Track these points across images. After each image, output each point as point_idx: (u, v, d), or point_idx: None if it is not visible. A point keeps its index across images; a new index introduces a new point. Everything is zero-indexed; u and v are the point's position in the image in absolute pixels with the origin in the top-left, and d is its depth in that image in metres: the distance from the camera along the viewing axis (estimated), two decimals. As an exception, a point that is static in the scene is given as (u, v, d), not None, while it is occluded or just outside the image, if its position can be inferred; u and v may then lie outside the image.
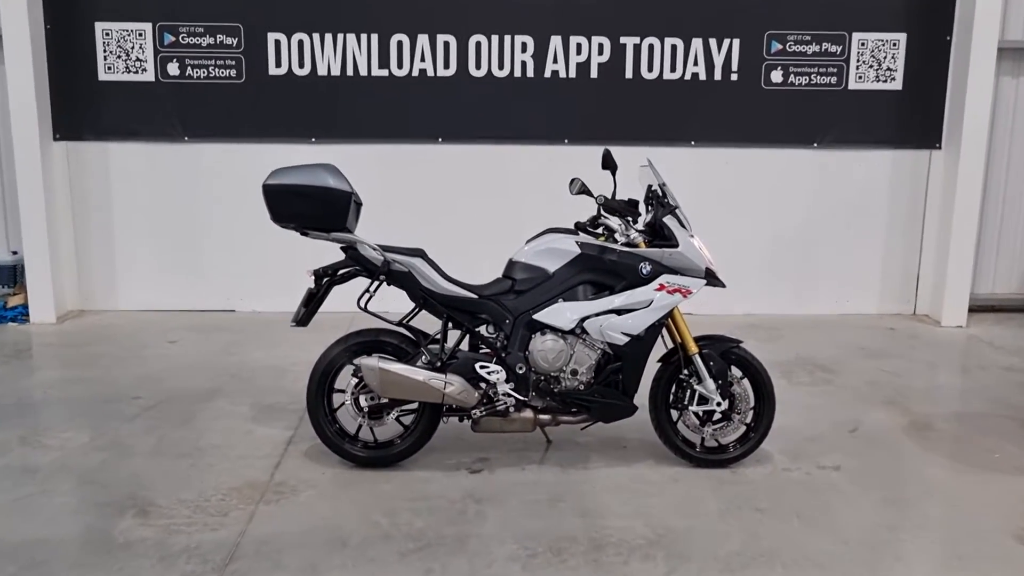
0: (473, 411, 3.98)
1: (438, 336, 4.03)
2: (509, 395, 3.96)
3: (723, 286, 4.12)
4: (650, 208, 4.15)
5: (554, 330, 3.96)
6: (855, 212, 7.23)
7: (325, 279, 4.03)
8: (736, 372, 4.12)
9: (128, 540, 3.35)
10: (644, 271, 3.95)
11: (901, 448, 4.44)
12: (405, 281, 4.00)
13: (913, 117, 7.08)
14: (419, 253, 4.04)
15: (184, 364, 5.67)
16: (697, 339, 4.10)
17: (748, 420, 4.14)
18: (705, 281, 4.02)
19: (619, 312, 3.95)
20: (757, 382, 4.12)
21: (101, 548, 3.30)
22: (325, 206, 3.89)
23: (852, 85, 7.01)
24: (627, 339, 3.93)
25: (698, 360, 4.04)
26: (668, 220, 4.01)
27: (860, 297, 7.35)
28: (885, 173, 7.20)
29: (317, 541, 3.37)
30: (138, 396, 5.02)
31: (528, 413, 4.01)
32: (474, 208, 7.14)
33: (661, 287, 3.94)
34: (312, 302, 4.03)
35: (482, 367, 3.94)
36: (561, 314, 3.95)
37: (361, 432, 4.11)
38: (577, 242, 3.99)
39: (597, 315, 3.94)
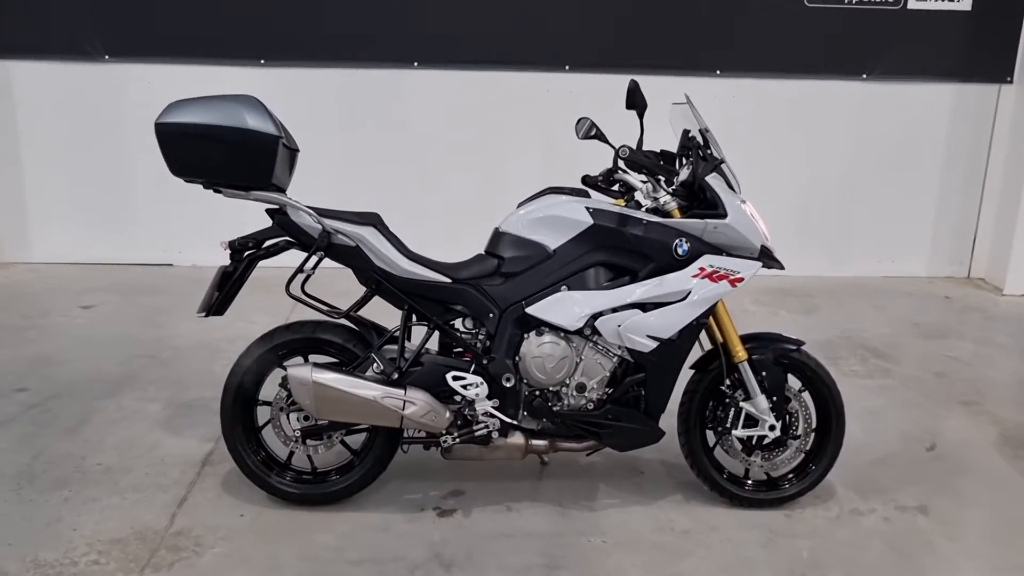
0: (443, 436, 2.94)
1: (397, 333, 2.98)
2: (492, 416, 2.93)
3: (782, 268, 3.07)
4: (686, 162, 3.07)
5: (555, 329, 2.91)
6: (905, 157, 6.13)
7: (246, 253, 2.96)
8: (793, 382, 3.10)
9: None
10: (680, 250, 2.88)
11: (998, 475, 3.44)
12: (352, 258, 2.93)
13: (982, 44, 5.92)
14: (372, 220, 2.96)
15: (94, 339, 4.60)
16: (743, 338, 3.06)
17: (807, 446, 3.13)
18: (761, 263, 2.96)
19: (644, 307, 2.89)
20: (821, 396, 3.10)
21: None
22: (241, 155, 2.80)
23: (912, 3, 5.83)
24: (655, 344, 2.88)
25: (746, 369, 3.00)
26: (712, 180, 2.92)
27: (906, 257, 6.31)
28: (944, 111, 6.07)
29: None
30: (23, 388, 3.96)
31: (518, 438, 2.99)
32: (455, 154, 6.00)
33: (702, 272, 2.88)
34: (228, 284, 2.95)
35: (456, 378, 2.89)
36: (565, 307, 2.89)
37: (295, 458, 3.08)
38: (588, 208, 2.90)
39: (614, 311, 2.89)
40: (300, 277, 2.91)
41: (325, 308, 2.96)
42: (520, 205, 3.03)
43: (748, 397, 3.02)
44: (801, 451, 3.12)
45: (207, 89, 3.02)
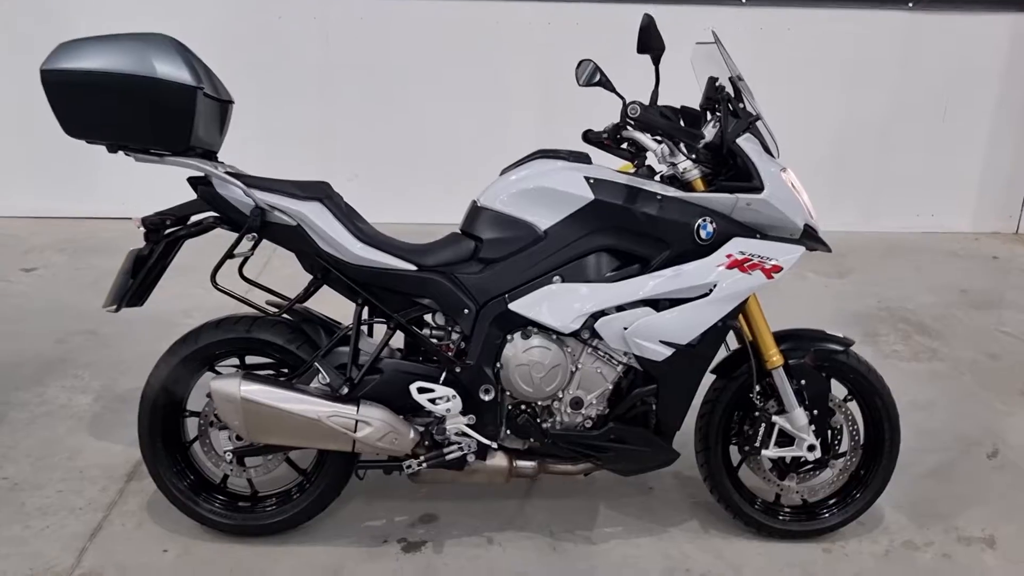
0: (407, 461, 2.40)
1: (349, 333, 2.41)
2: (467, 436, 2.38)
3: (828, 250, 2.47)
4: (711, 118, 2.45)
5: (545, 330, 2.33)
6: (953, 97, 5.46)
7: (165, 233, 2.38)
8: (838, 389, 2.53)
9: None
10: (704, 233, 2.28)
11: (1076, 492, 2.90)
12: (292, 240, 2.35)
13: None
14: (318, 193, 2.36)
15: (31, 310, 4.05)
16: (778, 336, 2.48)
17: (853, 466, 2.58)
18: (803, 247, 2.37)
19: (657, 304, 2.30)
20: (872, 407, 2.54)
21: None
22: (150, 111, 2.20)
23: (968, -80, 5.09)
24: (670, 351, 2.30)
25: (782, 377, 2.43)
26: (745, 143, 2.31)
27: (948, 210, 5.68)
28: (1000, 45, 5.38)
29: None
30: (-63, 375, 3.43)
31: (499, 460, 2.44)
32: (437, 100, 5.34)
33: (730, 260, 2.28)
34: (144, 271, 2.38)
35: (422, 390, 2.33)
36: (557, 304, 2.30)
37: (233, 479, 2.55)
38: (588, 179, 2.30)
39: (619, 309, 2.31)
40: (236, 261, 2.35)
41: (258, 304, 2.40)
42: (504, 172, 2.42)
43: (782, 410, 2.45)
44: (845, 472, 2.57)
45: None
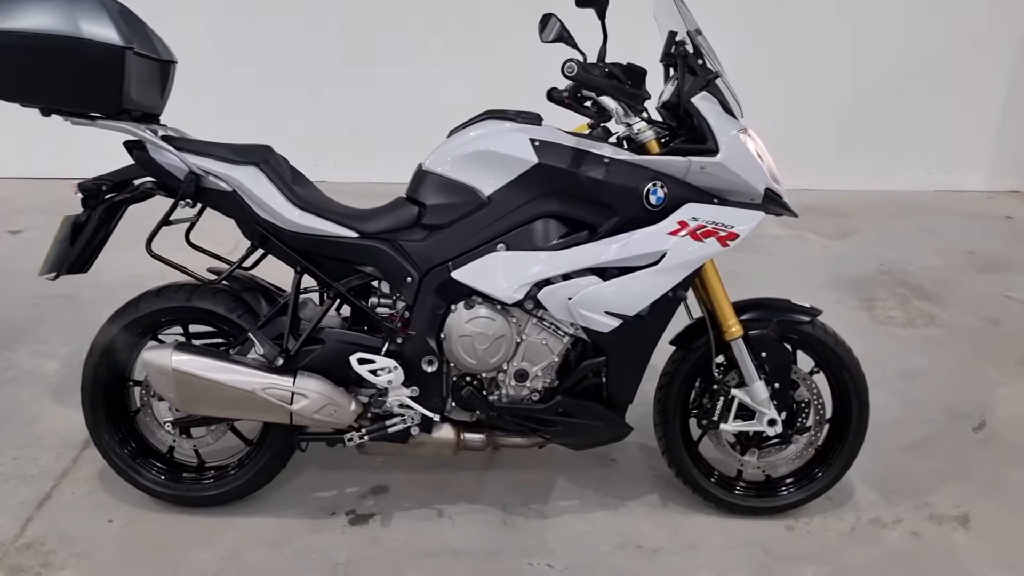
0: (348, 434, 2.33)
1: (288, 301, 2.33)
2: (409, 408, 2.30)
3: (794, 215, 2.34)
4: (674, 74, 2.31)
5: (489, 300, 2.24)
6: (971, 48, 5.19)
7: (106, 198, 2.31)
8: (804, 364, 2.42)
9: None
10: (653, 198, 2.16)
11: (1062, 468, 2.77)
12: (229, 207, 2.27)
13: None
14: (256, 157, 2.27)
15: (11, 273, 4.03)
16: (739, 306, 2.37)
17: (819, 440, 2.47)
18: (763, 212, 2.24)
19: (604, 273, 2.20)
20: (839, 380, 2.42)
21: None
22: (75, 73, 2.12)
23: None
24: (616, 323, 2.20)
25: (741, 349, 2.32)
26: (701, 102, 2.17)
27: (962, 168, 5.47)
28: (1020, -6, 5.10)
29: None
30: (-93, 339, 3.43)
31: (446, 433, 2.36)
32: (415, 50, 5.19)
33: (682, 227, 2.16)
34: (82, 237, 2.31)
35: (362, 361, 2.26)
36: (500, 272, 2.21)
37: (177, 450, 2.50)
38: (533, 142, 2.18)
39: (565, 277, 2.20)
40: (181, 228, 2.29)
41: (195, 272, 2.33)
42: (451, 134, 2.31)
43: (743, 383, 2.35)
44: (810, 447, 2.46)
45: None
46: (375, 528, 2.41)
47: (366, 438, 2.31)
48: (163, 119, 2.36)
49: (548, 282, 2.19)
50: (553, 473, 2.65)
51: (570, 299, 2.17)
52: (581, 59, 2.04)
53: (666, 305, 2.22)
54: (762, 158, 2.22)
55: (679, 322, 2.36)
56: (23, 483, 2.57)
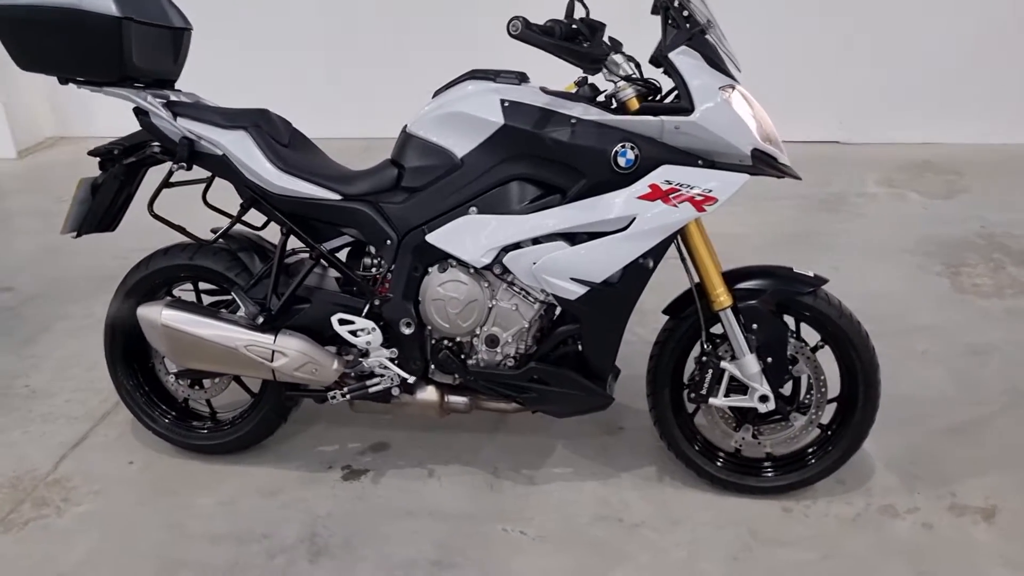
0: (331, 392, 2.39)
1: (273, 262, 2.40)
2: (388, 369, 2.33)
3: (795, 177, 2.17)
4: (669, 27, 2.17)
5: (463, 263, 2.22)
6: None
7: (125, 162, 2.45)
8: (808, 338, 2.26)
9: None
10: (622, 159, 2.06)
11: None
12: (221, 170, 2.36)
13: None
14: (247, 121, 2.34)
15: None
16: (735, 274, 2.23)
17: (819, 418, 2.31)
18: (748, 175, 2.08)
19: (573, 238, 2.12)
20: (845, 355, 2.24)
21: None
22: (78, 42, 2.25)
23: None
24: (583, 290, 2.13)
25: (730, 320, 2.19)
26: (679, 57, 2.04)
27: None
28: None
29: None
30: (8, 287, 3.79)
31: (430, 394, 2.37)
32: None
33: (654, 191, 2.05)
34: (98, 199, 2.46)
35: (343, 322, 2.30)
36: (470, 236, 2.18)
37: (192, 400, 2.65)
38: (503, 102, 2.12)
39: (533, 243, 2.15)
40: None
41: (192, 232, 2.44)
42: (436, 94, 2.29)
43: (734, 357, 2.22)
44: (810, 426, 2.30)
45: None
46: (364, 484, 2.47)
47: (347, 397, 2.36)
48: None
49: (518, 246, 2.14)
50: (554, 440, 2.62)
51: (534, 264, 2.11)
52: (519, 18, 1.95)
53: (638, 273, 2.11)
54: (751, 116, 2.06)
55: (660, 291, 2.26)
56: (68, 423, 2.80)
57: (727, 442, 2.36)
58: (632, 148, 2.04)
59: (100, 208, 2.45)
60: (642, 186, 2.05)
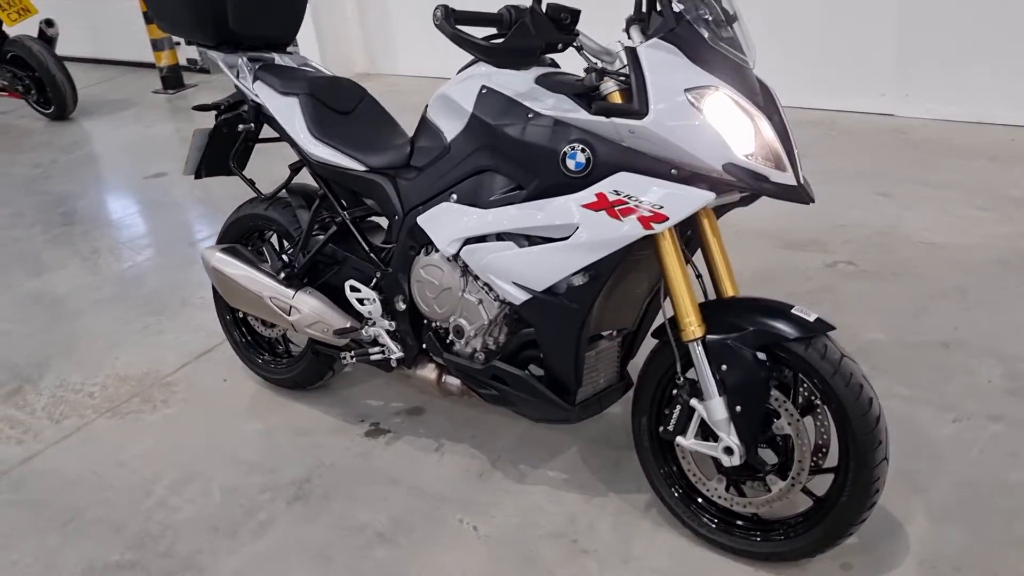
0: (343, 352, 2.51)
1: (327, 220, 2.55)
2: (383, 340, 2.39)
3: (800, 200, 1.82)
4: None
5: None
6: None
7: (221, 117, 2.76)
8: (797, 396, 1.90)
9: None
10: (571, 162, 1.87)
11: None
12: (277, 130, 2.56)
13: None
14: (306, 88, 2.48)
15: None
16: (721, 304, 1.94)
17: (802, 485, 1.94)
18: (711, 194, 1.78)
19: (525, 240, 1.99)
20: (838, 419, 1.85)
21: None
22: (184, 5, 2.57)
23: None
24: (527, 296, 1.99)
25: (699, 354, 1.91)
26: (646, 51, 1.79)
27: None
28: None
29: (49, 515, 2.49)
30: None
31: (428, 372, 2.40)
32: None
33: (600, 201, 1.84)
34: (209, 147, 2.76)
35: (353, 289, 2.40)
36: (444, 223, 2.14)
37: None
38: (483, 88, 2.03)
39: (494, 238, 2.05)
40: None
41: (256, 187, 2.67)
42: (460, 71, 2.25)
43: (702, 396, 1.94)
44: (794, 492, 1.94)
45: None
46: (377, 445, 2.58)
47: (354, 360, 2.47)
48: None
49: (483, 240, 2.06)
50: (572, 441, 2.50)
51: (483, 262, 2.02)
52: (441, 6, 1.81)
53: (581, 288, 1.93)
54: (738, 125, 1.75)
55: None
56: (206, 337, 3.26)
57: (699, 488, 2.08)
58: (583, 150, 1.84)
59: (212, 155, 2.76)
60: (588, 194, 1.85)
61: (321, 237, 2.49)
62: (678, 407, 1.98)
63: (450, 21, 1.78)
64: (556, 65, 2.12)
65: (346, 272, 2.45)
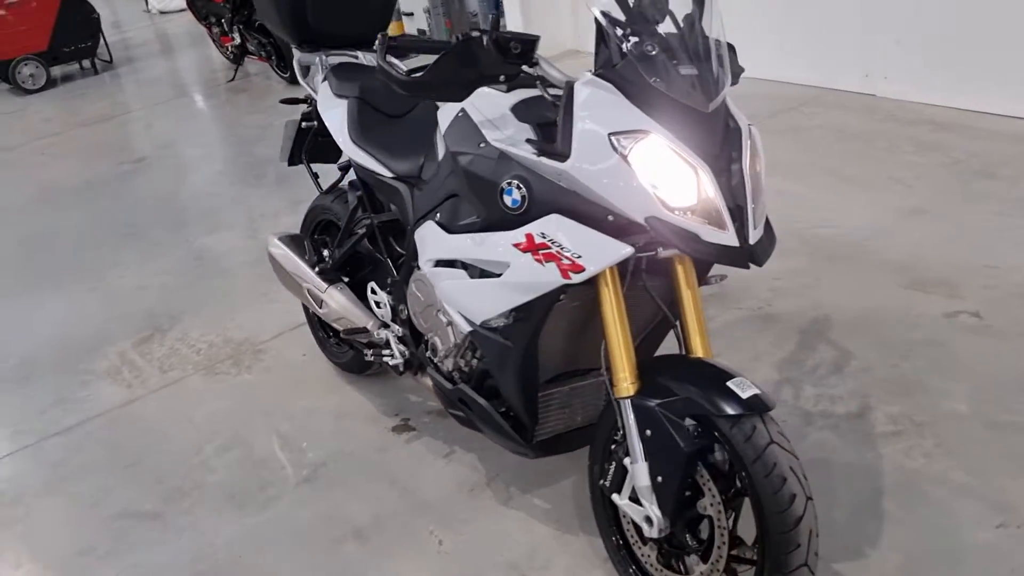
0: (365, 350, 2.60)
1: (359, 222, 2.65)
2: (392, 344, 2.45)
3: (745, 264, 1.65)
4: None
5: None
6: None
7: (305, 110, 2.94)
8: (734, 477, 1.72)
9: (43, 371, 3.36)
10: (508, 198, 1.80)
11: None
12: (328, 130, 2.67)
13: None
14: (354, 91, 2.57)
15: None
16: (664, 361, 1.81)
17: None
18: (631, 248, 1.65)
19: (477, 271, 1.95)
20: (757, 511, 1.65)
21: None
22: (272, 6, 2.76)
23: None
24: (469, 327, 1.96)
25: (627, 414, 1.78)
26: (581, 87, 1.69)
27: None
28: None
29: (119, 461, 2.84)
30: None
31: (428, 380, 2.43)
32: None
33: (528, 242, 1.77)
34: (298, 137, 2.93)
35: (373, 291, 2.49)
36: (424, 240, 2.15)
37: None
38: (459, 111, 2.00)
39: (450, 263, 2.03)
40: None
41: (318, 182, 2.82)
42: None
43: (629, 454, 1.82)
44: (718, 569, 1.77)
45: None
46: (398, 441, 2.67)
47: (371, 359, 2.56)
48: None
49: (452, 264, 2.05)
50: (573, 470, 2.41)
51: (438, 288, 2.01)
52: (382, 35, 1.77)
53: (515, 327, 1.86)
54: (669, 176, 1.60)
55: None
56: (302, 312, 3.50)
57: (634, 549, 1.95)
58: (519, 187, 1.77)
59: (301, 144, 2.94)
60: (519, 233, 1.77)
61: (355, 236, 2.58)
62: (614, 464, 1.87)
63: (382, 50, 1.77)
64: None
65: (371, 274, 2.53)
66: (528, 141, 1.76)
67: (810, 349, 2.77)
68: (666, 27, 1.72)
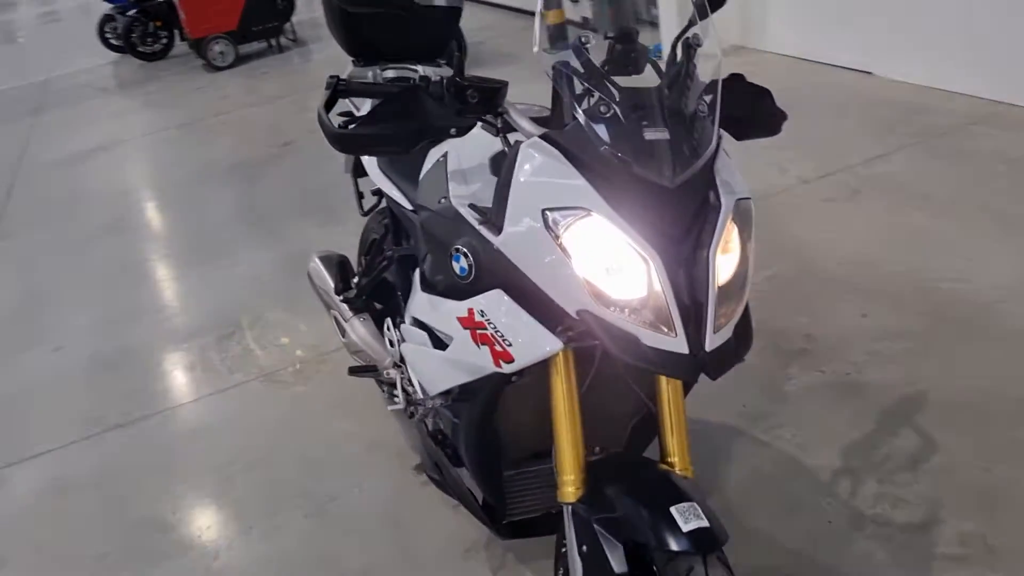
0: (380, 384, 2.49)
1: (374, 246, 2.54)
2: (392, 383, 2.32)
3: (693, 378, 1.39)
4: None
5: (419, 312, 2.05)
6: None
7: None
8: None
9: (129, 352, 3.48)
10: (456, 265, 1.60)
11: None
12: (362, 153, 2.56)
13: None
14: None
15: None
16: (611, 471, 1.56)
17: None
18: (560, 343, 1.42)
19: (432, 332, 1.77)
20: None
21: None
22: (330, 18, 2.68)
23: None
24: (421, 395, 1.79)
25: (568, 521, 1.56)
26: (525, 150, 1.46)
27: None
28: None
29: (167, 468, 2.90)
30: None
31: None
32: None
33: (469, 318, 1.56)
34: None
35: (388, 327, 2.37)
36: (415, 287, 1.98)
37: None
38: (443, 155, 1.82)
39: (415, 321, 1.86)
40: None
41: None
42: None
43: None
44: None
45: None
46: (415, 483, 2.51)
47: (385, 394, 2.44)
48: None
49: (412, 319, 1.89)
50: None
51: (403, 347, 1.85)
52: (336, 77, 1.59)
53: (463, 407, 1.67)
54: (603, 264, 1.36)
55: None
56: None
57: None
58: (466, 255, 1.57)
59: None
60: (463, 306, 1.58)
61: (377, 268, 2.46)
62: (562, 568, 1.65)
63: (325, 95, 1.61)
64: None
65: (387, 308, 2.41)
66: (470, 206, 1.55)
67: (889, 434, 2.37)
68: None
